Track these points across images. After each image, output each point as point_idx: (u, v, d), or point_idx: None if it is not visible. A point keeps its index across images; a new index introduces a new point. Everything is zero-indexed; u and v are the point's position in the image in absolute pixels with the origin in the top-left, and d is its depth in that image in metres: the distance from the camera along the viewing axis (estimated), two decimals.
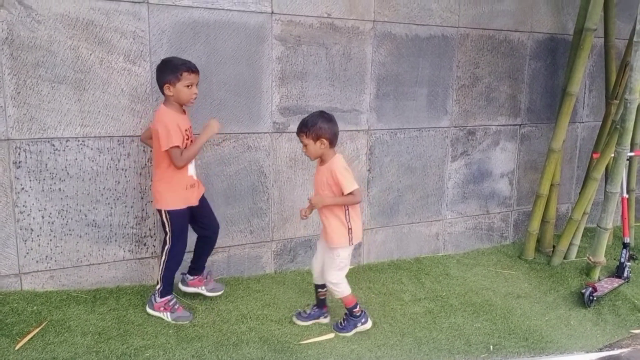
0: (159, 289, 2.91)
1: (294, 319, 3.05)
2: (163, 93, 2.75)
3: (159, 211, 2.85)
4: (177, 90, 2.71)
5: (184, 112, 2.84)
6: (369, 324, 3.01)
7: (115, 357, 2.56)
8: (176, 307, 2.92)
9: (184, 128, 2.76)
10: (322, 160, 2.80)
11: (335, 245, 2.81)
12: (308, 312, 3.08)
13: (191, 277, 3.11)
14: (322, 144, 2.71)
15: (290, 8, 3.30)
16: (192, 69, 2.73)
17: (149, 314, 2.92)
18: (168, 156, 2.72)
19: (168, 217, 2.82)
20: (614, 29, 4.17)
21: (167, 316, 2.90)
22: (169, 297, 2.92)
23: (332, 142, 2.75)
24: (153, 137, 2.77)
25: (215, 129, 2.83)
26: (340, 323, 2.99)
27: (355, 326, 2.97)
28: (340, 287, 2.90)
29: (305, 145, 2.75)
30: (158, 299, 2.91)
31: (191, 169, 2.86)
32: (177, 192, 2.81)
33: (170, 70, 2.70)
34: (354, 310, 2.96)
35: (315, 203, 2.78)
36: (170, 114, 2.74)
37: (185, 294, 3.12)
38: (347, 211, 2.78)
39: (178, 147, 2.71)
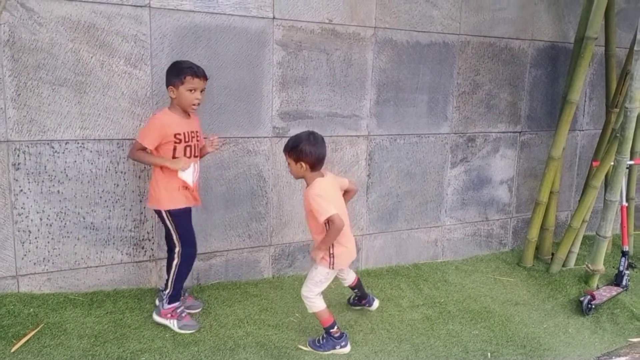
0: (168, 293, 2.85)
1: (349, 303, 3.27)
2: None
3: (159, 213, 2.82)
4: (179, 94, 2.70)
5: (189, 116, 2.80)
6: (347, 349, 2.83)
7: None
8: (183, 315, 2.88)
9: (176, 131, 2.70)
10: (306, 182, 2.74)
11: (317, 261, 2.78)
12: (353, 299, 3.23)
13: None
14: (301, 166, 2.65)
15: (292, 14, 3.31)
16: (198, 73, 2.71)
17: (155, 322, 2.87)
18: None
19: (169, 217, 2.79)
20: (615, 37, 4.18)
21: (173, 324, 2.84)
22: (177, 303, 2.87)
23: (314, 166, 2.65)
24: None
25: (179, 167, 2.72)
26: (319, 340, 2.85)
27: (334, 347, 2.81)
28: (311, 301, 2.79)
29: (288, 164, 2.73)
30: (166, 305, 2.85)
31: (183, 175, 2.75)
32: (169, 193, 2.76)
33: (175, 73, 2.70)
34: (331, 330, 2.81)
35: (315, 259, 2.79)
36: (164, 115, 2.73)
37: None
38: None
39: (144, 148, 2.69)
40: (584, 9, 3.98)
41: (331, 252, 2.71)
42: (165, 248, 3.03)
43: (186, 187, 2.80)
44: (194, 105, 2.75)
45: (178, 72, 2.69)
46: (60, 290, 3.06)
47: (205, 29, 3.10)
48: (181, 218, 2.82)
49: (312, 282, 2.79)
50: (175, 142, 2.73)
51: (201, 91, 2.76)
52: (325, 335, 2.84)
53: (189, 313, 2.97)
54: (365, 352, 2.87)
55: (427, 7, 3.71)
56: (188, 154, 2.78)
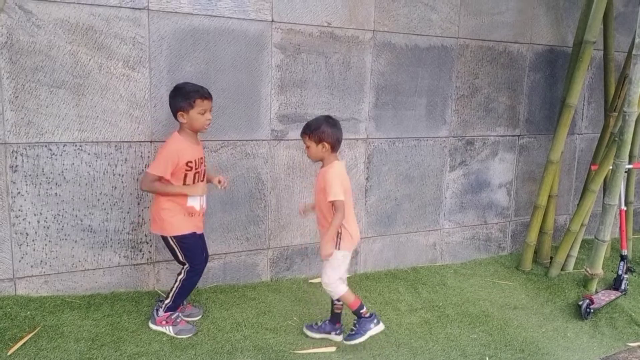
0: (166, 303, 2.85)
1: (305, 329, 3.02)
2: (177, 120, 2.74)
3: (165, 239, 2.81)
4: (190, 118, 2.69)
5: (197, 141, 2.82)
6: (381, 325, 2.85)
7: None
8: (178, 320, 2.87)
9: (188, 159, 2.72)
10: (322, 163, 2.83)
11: (324, 255, 2.77)
12: (319, 324, 3.02)
13: None
14: (323, 147, 2.74)
15: (291, 17, 3.31)
16: (205, 95, 2.72)
17: (151, 329, 2.85)
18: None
19: (175, 242, 2.79)
20: (613, 41, 4.19)
21: (169, 330, 2.83)
22: (173, 312, 2.87)
23: (334, 146, 2.77)
24: None
25: (200, 193, 2.78)
26: (352, 329, 2.85)
27: (369, 328, 2.81)
28: (333, 287, 2.82)
29: (307, 147, 2.80)
30: (161, 313, 2.85)
31: (193, 201, 2.79)
32: (177, 219, 2.76)
33: (183, 97, 2.68)
34: (362, 311, 2.83)
35: (325, 256, 2.77)
36: (178, 142, 2.72)
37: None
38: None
39: (159, 178, 2.67)
40: (583, 13, 3.99)
41: (340, 231, 2.79)
42: (164, 251, 3.02)
43: (191, 213, 2.80)
44: (206, 126, 2.78)
45: (186, 96, 2.67)
46: (58, 293, 3.05)
47: (203, 32, 3.10)
48: (189, 241, 2.82)
49: (330, 268, 2.83)
50: (187, 170, 2.73)
51: (210, 110, 2.77)
52: (356, 321, 2.84)
53: (190, 321, 2.96)
54: (364, 356, 2.86)
55: (425, 11, 3.72)
56: (197, 180, 2.80)
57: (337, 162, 2.80)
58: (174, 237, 2.78)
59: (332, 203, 2.69)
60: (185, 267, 2.84)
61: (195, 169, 2.77)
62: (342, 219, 2.71)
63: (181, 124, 2.74)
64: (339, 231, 2.78)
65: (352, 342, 2.82)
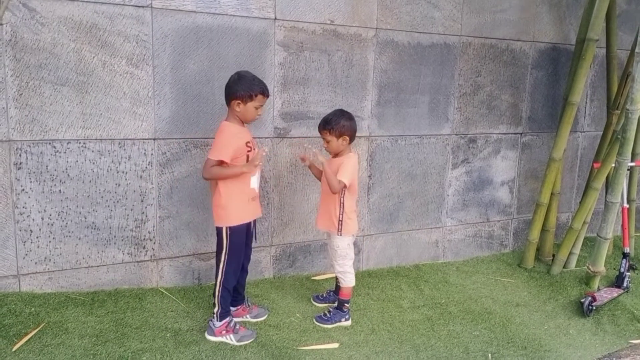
0: (217, 311, 2.80)
1: (312, 299, 3.32)
2: (228, 105, 2.73)
3: (219, 228, 2.77)
4: (246, 109, 2.69)
5: (244, 125, 2.81)
6: (349, 322, 3.12)
7: None
8: (237, 327, 2.84)
9: (245, 141, 2.73)
10: (337, 155, 2.98)
11: (327, 228, 3.05)
12: (324, 295, 3.31)
13: (234, 308, 3.01)
14: (344, 140, 2.91)
15: (293, 14, 3.31)
16: (267, 93, 2.74)
17: (209, 341, 2.79)
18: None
19: (228, 233, 2.75)
20: (616, 39, 4.18)
21: (231, 339, 2.79)
22: (227, 319, 2.83)
23: (352, 139, 2.96)
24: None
25: (256, 165, 2.73)
26: (325, 314, 3.10)
27: (339, 320, 3.09)
28: (347, 277, 3.07)
29: (327, 142, 2.93)
30: (217, 323, 2.80)
31: (254, 182, 2.79)
32: (241, 206, 2.75)
33: (246, 88, 2.67)
34: (346, 304, 3.10)
35: (320, 162, 2.89)
36: (232, 127, 2.71)
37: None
38: (341, 204, 2.95)
39: (221, 162, 2.65)
40: (586, 11, 3.99)
41: (340, 219, 2.96)
42: (167, 248, 3.02)
43: (254, 198, 2.81)
44: (254, 120, 2.80)
45: (250, 88, 2.67)
46: (62, 290, 3.06)
47: (206, 30, 3.11)
48: (239, 235, 2.79)
49: (340, 258, 3.06)
50: (248, 151, 2.75)
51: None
52: (335, 309, 3.11)
53: (257, 322, 3.01)
54: (367, 353, 2.87)
55: (428, 9, 3.72)
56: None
57: (353, 154, 3.00)
58: (230, 227, 2.74)
59: (341, 187, 2.88)
60: (221, 265, 2.78)
61: (254, 149, 2.79)
62: (337, 191, 2.87)
63: (232, 112, 2.72)
64: (340, 219, 2.95)
65: (319, 324, 3.07)
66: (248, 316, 3.05)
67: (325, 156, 3.04)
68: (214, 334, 2.80)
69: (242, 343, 2.80)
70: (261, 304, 3.24)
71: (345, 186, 2.89)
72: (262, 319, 3.07)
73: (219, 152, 2.66)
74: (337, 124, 2.87)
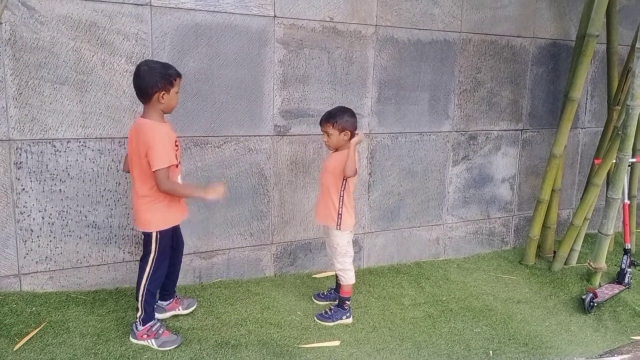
0: (140, 316, 2.66)
1: (313, 297, 3.34)
2: (147, 102, 2.50)
3: (147, 234, 2.62)
4: (170, 98, 2.51)
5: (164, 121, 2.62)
6: (350, 320, 3.12)
7: (113, 359, 2.55)
8: (160, 331, 2.70)
9: (173, 139, 2.58)
10: (337, 149, 2.99)
11: (325, 222, 3.05)
12: (325, 293, 3.33)
13: (166, 303, 2.93)
14: (345, 135, 2.93)
15: (293, 12, 3.31)
16: (180, 73, 2.56)
17: (132, 344, 2.68)
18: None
19: (158, 237, 2.61)
20: (617, 35, 4.17)
21: (152, 343, 2.67)
22: (151, 322, 2.70)
23: (353, 135, 2.97)
24: (141, 154, 2.49)
25: (216, 196, 2.61)
26: (326, 312, 3.11)
27: (340, 318, 3.09)
28: (347, 274, 3.07)
29: (329, 135, 2.94)
30: (140, 327, 2.67)
31: (180, 181, 2.68)
32: (171, 210, 2.62)
33: (162, 76, 2.47)
34: (347, 302, 3.11)
35: (357, 141, 2.93)
36: (160, 126, 2.52)
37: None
38: (341, 198, 2.97)
39: (168, 168, 2.50)
40: (586, 7, 3.97)
41: (340, 212, 2.97)
42: None
43: (180, 198, 2.69)
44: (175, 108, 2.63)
45: (167, 74, 2.48)
46: (63, 289, 3.06)
47: (206, 28, 3.10)
48: (167, 239, 2.67)
49: (340, 256, 3.06)
50: (175, 150, 2.59)
51: None
52: (335, 307, 3.12)
53: (189, 313, 2.95)
54: (368, 350, 2.87)
55: (428, 5, 3.71)
56: (179, 159, 2.68)
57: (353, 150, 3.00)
58: (159, 232, 2.60)
59: (347, 178, 2.92)
60: (147, 269, 2.64)
61: (177, 146, 2.63)
62: (351, 175, 2.91)
63: (153, 107, 2.50)
64: (340, 212, 2.97)
65: (320, 322, 3.07)
66: (180, 308, 2.97)
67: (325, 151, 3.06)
68: (136, 337, 2.68)
69: (164, 348, 2.66)
70: (262, 302, 3.24)
71: (356, 172, 2.93)
72: (192, 308, 3.00)
73: (166, 157, 2.47)
74: (341, 119, 2.90)
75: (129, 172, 2.66)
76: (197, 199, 2.68)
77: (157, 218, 2.60)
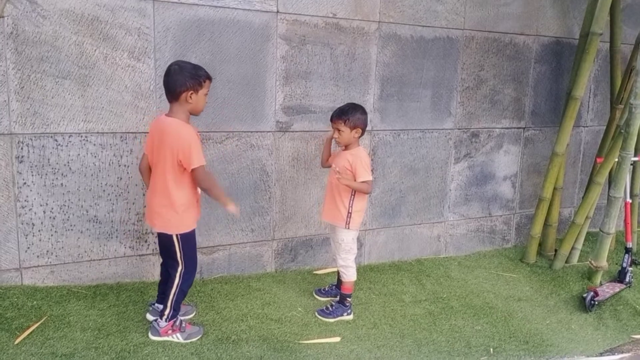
0: (168, 313, 2.67)
1: (314, 293, 3.35)
2: (174, 101, 2.50)
3: (168, 236, 2.61)
4: (198, 99, 2.51)
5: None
6: (351, 316, 3.13)
7: (114, 353, 2.56)
8: (183, 325, 2.75)
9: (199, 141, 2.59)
10: (346, 147, 2.99)
11: (333, 221, 3.04)
12: (326, 289, 3.34)
13: (160, 306, 2.84)
14: (356, 132, 2.93)
15: (296, 7, 3.30)
16: (210, 76, 2.57)
17: (154, 342, 2.69)
18: (190, 176, 2.53)
19: (180, 240, 2.61)
20: (620, 33, 4.16)
21: (177, 337, 2.70)
22: (174, 318, 2.73)
23: (363, 132, 2.99)
24: (171, 154, 2.47)
25: (233, 211, 2.63)
26: (327, 308, 3.12)
27: (341, 315, 3.10)
28: (349, 271, 3.07)
29: (340, 132, 2.93)
30: (163, 324, 2.69)
31: None
32: (192, 212, 2.63)
33: (191, 76, 2.47)
34: (348, 299, 3.12)
35: (340, 176, 2.87)
36: (189, 127, 2.52)
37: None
38: (352, 197, 2.96)
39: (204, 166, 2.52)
40: (589, 5, 3.96)
41: (349, 211, 2.97)
42: None
43: (198, 200, 2.69)
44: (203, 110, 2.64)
45: (197, 74, 2.49)
46: (64, 283, 3.06)
47: (208, 23, 3.10)
48: (192, 240, 2.69)
49: (344, 252, 3.06)
50: None
51: None
52: (337, 303, 3.13)
53: (188, 319, 2.91)
54: (368, 347, 2.87)
55: (431, 2, 3.70)
56: None
57: (362, 148, 3.05)
58: (181, 234, 2.61)
59: (366, 182, 2.91)
60: (179, 269, 2.66)
61: None
62: (369, 191, 2.96)
63: (181, 108, 2.50)
64: (350, 211, 2.96)
65: (321, 318, 3.08)
66: (181, 318, 2.88)
67: (335, 148, 3.07)
68: (158, 334, 2.69)
69: (190, 340, 2.72)
70: (263, 297, 3.24)
71: (371, 182, 2.93)
72: (190, 316, 2.96)
73: (202, 155, 2.51)
74: (354, 116, 2.89)
75: (147, 169, 2.67)
76: (220, 203, 2.65)
77: (182, 219, 2.59)
